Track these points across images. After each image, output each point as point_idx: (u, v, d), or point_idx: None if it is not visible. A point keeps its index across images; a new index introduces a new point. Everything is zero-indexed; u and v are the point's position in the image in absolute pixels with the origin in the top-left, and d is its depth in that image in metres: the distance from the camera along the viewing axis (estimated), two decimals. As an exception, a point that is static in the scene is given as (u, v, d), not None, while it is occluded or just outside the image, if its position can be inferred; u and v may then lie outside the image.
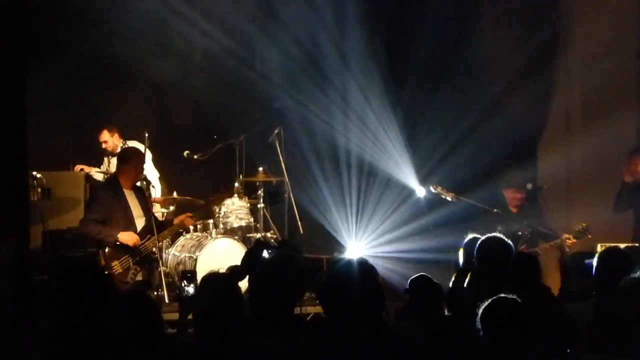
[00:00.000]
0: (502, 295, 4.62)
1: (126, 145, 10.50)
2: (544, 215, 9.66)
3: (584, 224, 9.45)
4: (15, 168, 7.04)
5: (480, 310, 4.56)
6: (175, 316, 9.52)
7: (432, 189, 9.80)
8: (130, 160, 8.70)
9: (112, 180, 8.74)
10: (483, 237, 6.48)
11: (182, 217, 9.03)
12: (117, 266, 8.36)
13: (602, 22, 10.42)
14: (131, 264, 8.40)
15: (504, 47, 10.51)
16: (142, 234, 8.53)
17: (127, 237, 8.41)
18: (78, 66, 11.91)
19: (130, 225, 8.55)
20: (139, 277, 8.53)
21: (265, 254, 5.27)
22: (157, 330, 4.59)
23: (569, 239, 9.33)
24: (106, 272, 8.31)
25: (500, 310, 4.52)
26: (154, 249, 8.60)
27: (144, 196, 8.73)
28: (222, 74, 13.00)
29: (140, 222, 8.64)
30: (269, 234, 11.06)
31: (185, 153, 11.50)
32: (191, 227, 10.88)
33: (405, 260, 10.94)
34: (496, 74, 10.61)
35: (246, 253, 5.20)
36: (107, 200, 8.57)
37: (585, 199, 10.25)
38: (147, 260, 8.52)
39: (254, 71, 13.11)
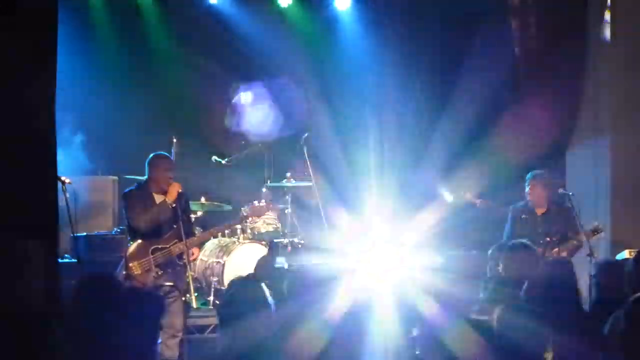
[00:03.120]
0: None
1: None
2: (573, 221, 9.56)
3: (596, 223, 9.32)
4: (44, 172, 7.09)
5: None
6: (202, 321, 9.60)
7: (461, 195, 9.74)
8: (156, 164, 8.70)
9: (142, 185, 8.75)
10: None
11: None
12: (135, 267, 8.33)
13: (633, 25, 10.33)
14: (152, 266, 8.37)
15: (532, 52, 10.45)
16: (169, 239, 8.51)
17: (176, 188, 8.46)
18: (109, 72, 12.00)
19: (156, 227, 8.53)
20: (168, 282, 8.49)
21: (277, 261, 5.26)
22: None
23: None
24: (125, 273, 8.30)
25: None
26: (183, 255, 8.53)
27: (179, 202, 8.64)
28: (251, 79, 13.07)
29: (168, 227, 8.60)
30: (296, 239, 11.07)
31: (213, 158, 11.55)
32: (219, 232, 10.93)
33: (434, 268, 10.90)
34: (524, 79, 10.55)
35: (259, 261, 5.20)
36: (137, 201, 8.57)
37: (614, 206, 10.17)
38: (170, 264, 8.48)
39: (282, 77, 13.17)
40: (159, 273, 8.35)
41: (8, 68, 6.92)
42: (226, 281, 9.95)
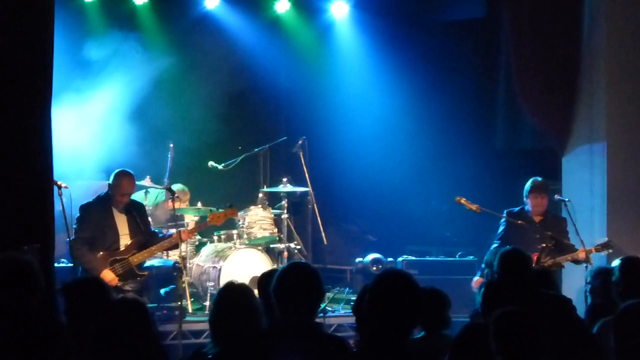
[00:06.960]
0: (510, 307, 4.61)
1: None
2: (565, 228, 9.57)
3: (607, 239, 9.36)
4: (40, 177, 7.11)
5: (491, 322, 4.54)
6: (198, 326, 9.60)
7: (456, 200, 9.73)
8: (121, 182, 8.91)
9: (103, 198, 8.92)
10: (503, 250, 6.46)
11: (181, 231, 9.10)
12: None
13: (628, 30, 10.34)
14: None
15: (527, 58, 10.46)
16: (128, 250, 8.72)
17: (108, 278, 8.52)
18: (105, 77, 12.00)
19: (115, 244, 8.76)
20: (131, 292, 8.65)
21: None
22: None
23: (590, 251, 9.20)
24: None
25: (508, 321, 4.51)
26: (142, 265, 8.85)
27: (137, 213, 8.90)
28: (248, 85, 13.10)
29: (127, 240, 8.83)
30: (292, 245, 11.09)
31: (210, 163, 11.55)
32: (215, 237, 10.94)
33: (430, 266, 10.95)
34: (521, 84, 10.55)
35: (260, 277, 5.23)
36: (95, 218, 8.75)
37: (610, 212, 10.17)
38: (129, 275, 8.71)
39: (279, 83, 13.24)
40: (120, 283, 8.60)
41: (4, 74, 6.95)
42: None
